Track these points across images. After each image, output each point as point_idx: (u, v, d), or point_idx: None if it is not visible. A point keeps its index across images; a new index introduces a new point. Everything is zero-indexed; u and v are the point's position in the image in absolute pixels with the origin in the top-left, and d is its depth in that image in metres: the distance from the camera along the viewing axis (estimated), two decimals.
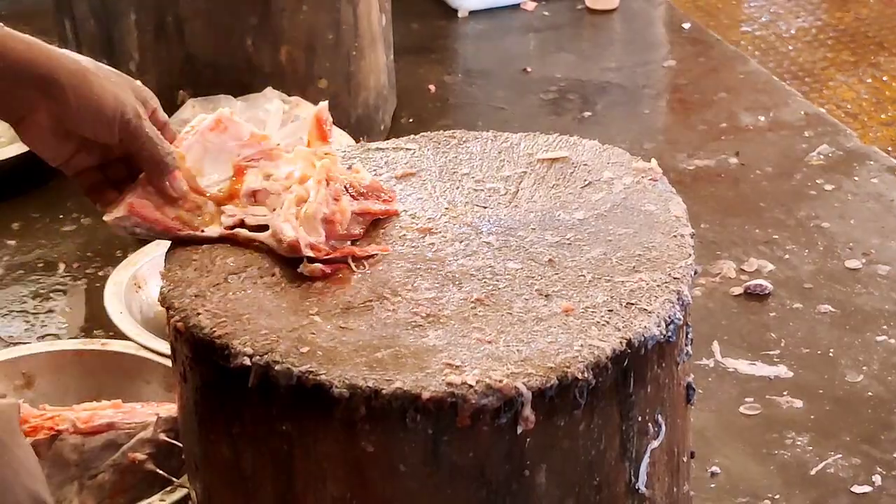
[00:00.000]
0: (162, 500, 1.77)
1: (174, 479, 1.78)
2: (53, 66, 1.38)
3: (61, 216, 2.70)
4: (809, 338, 2.28)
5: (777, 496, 1.92)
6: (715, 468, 1.98)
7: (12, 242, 2.63)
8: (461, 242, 1.48)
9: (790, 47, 3.86)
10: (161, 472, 1.80)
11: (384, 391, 1.26)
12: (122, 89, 1.43)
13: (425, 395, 1.26)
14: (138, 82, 1.49)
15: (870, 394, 2.14)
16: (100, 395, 1.88)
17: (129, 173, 1.49)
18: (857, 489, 1.94)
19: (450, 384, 1.27)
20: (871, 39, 3.90)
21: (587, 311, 1.36)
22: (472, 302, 1.38)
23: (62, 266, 2.54)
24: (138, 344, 2.00)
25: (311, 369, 1.29)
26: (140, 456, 1.80)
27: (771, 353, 2.24)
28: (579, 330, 1.33)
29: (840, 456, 2.00)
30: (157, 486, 1.79)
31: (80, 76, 1.39)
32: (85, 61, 1.43)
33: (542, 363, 1.29)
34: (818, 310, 2.36)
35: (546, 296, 1.39)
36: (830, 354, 2.24)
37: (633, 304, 1.37)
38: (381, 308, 1.38)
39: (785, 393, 2.14)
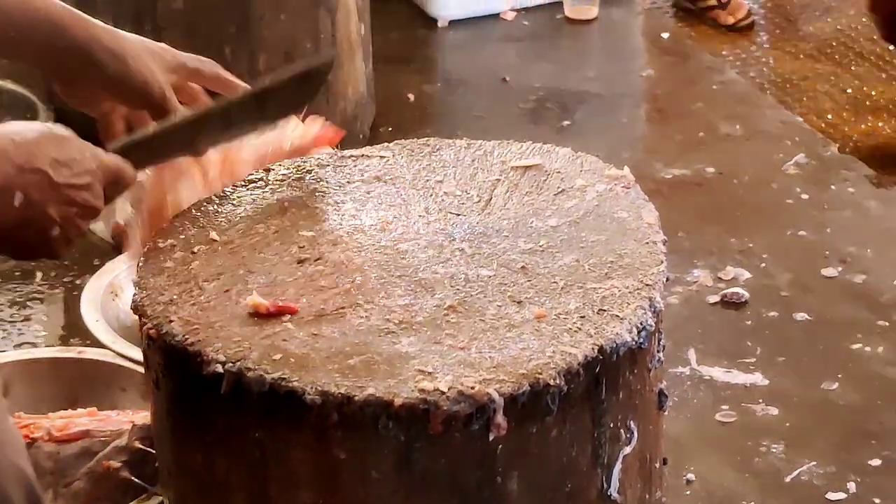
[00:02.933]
0: None
1: (149, 486, 1.78)
2: (98, 47, 1.51)
3: None
4: (785, 346, 2.29)
5: (752, 503, 1.93)
6: (690, 475, 1.99)
7: None
8: (434, 249, 1.48)
9: (770, 58, 3.88)
10: (136, 479, 1.79)
11: (356, 398, 1.26)
12: (151, 68, 1.53)
13: (397, 401, 1.26)
14: (172, 50, 1.57)
15: (844, 402, 2.15)
16: (75, 403, 1.88)
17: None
18: (831, 496, 1.94)
19: (422, 391, 1.27)
20: (850, 49, 3.91)
21: (559, 317, 1.36)
22: (445, 309, 1.38)
23: (39, 274, 2.54)
24: (114, 352, 2.00)
25: (283, 376, 1.29)
26: (115, 464, 1.80)
27: (747, 360, 2.25)
28: (551, 336, 1.34)
29: (815, 463, 2.00)
30: (132, 494, 1.78)
31: (117, 59, 1.52)
32: (121, 37, 1.54)
33: (514, 369, 1.29)
34: (794, 318, 2.37)
35: (518, 302, 1.39)
36: (806, 362, 2.25)
37: (605, 310, 1.37)
38: (354, 315, 1.38)
39: (760, 400, 2.15)
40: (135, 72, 1.53)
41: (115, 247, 2.00)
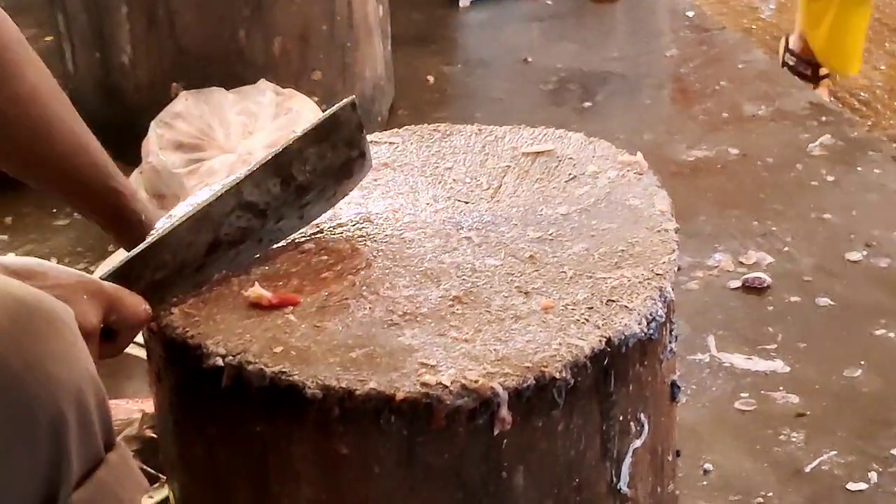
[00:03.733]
0: (150, 497, 1.74)
1: (160, 475, 1.76)
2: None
3: (54, 211, 2.69)
4: (807, 332, 2.25)
5: (770, 494, 1.89)
6: (707, 465, 1.95)
7: (4, 237, 2.61)
8: (441, 238, 1.45)
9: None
10: (147, 468, 1.77)
11: (358, 392, 1.24)
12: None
13: (399, 395, 1.23)
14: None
15: (867, 389, 2.11)
16: None
17: None
18: (852, 486, 1.90)
19: (424, 384, 1.24)
20: (885, 26, 3.86)
21: (567, 308, 1.33)
22: (450, 300, 1.35)
23: (53, 261, 2.52)
24: None
25: (283, 370, 1.26)
26: None
27: (768, 347, 2.21)
28: (558, 328, 1.30)
29: (836, 453, 1.96)
30: None
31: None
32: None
33: (519, 362, 1.26)
34: (817, 303, 2.33)
35: (525, 293, 1.36)
36: (828, 349, 2.21)
37: (614, 301, 1.34)
38: (357, 307, 1.35)
39: (781, 388, 2.11)
40: None
41: None
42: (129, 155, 2.46)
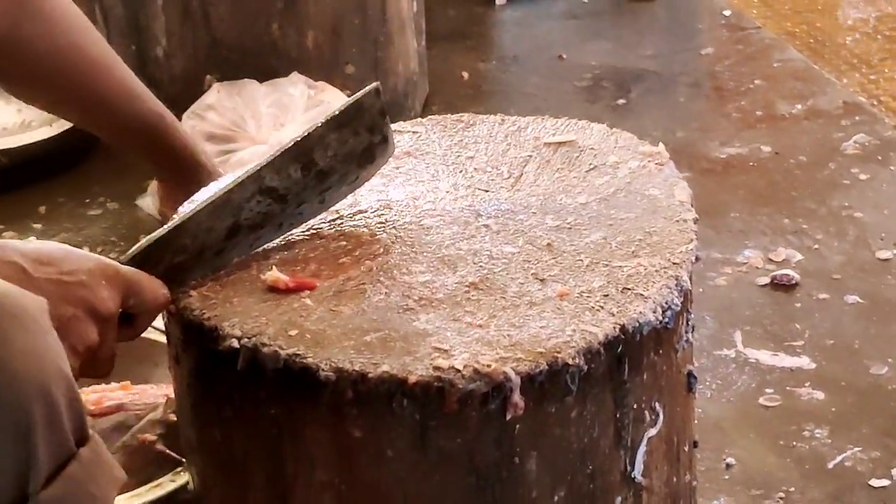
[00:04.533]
0: (172, 481, 1.75)
1: (184, 459, 1.77)
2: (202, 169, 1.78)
3: (87, 200, 2.71)
4: (835, 329, 2.24)
5: (792, 489, 1.88)
6: (730, 459, 1.94)
7: (38, 226, 2.64)
8: (459, 226, 1.46)
9: (848, 38, 3.81)
10: (171, 452, 1.79)
11: (371, 375, 1.24)
12: None
13: (412, 379, 1.24)
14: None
15: (893, 387, 2.09)
16: (108, 378, 1.87)
17: None
18: (875, 483, 1.89)
19: (437, 368, 1.24)
20: None
21: (582, 295, 1.33)
22: (466, 286, 1.36)
23: (87, 250, 2.53)
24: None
25: (297, 352, 1.27)
26: (150, 437, 1.79)
27: (794, 343, 2.20)
28: (572, 315, 1.31)
29: (859, 449, 1.95)
30: (168, 467, 1.77)
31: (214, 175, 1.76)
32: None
33: (532, 348, 1.26)
34: (846, 301, 2.32)
35: (541, 280, 1.36)
36: (856, 346, 2.19)
37: (629, 289, 1.34)
38: (373, 291, 1.36)
39: (806, 384, 2.10)
40: None
41: (163, 223, 2.00)
42: None
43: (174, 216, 1.44)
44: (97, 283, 1.30)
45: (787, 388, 2.09)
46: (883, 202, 2.63)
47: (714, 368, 2.13)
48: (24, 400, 1.15)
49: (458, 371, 1.24)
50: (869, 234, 2.52)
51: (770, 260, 2.44)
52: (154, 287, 1.36)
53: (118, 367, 1.91)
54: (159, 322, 1.98)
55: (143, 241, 1.40)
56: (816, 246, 2.49)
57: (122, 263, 1.36)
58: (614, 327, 1.29)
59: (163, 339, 1.97)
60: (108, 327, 1.32)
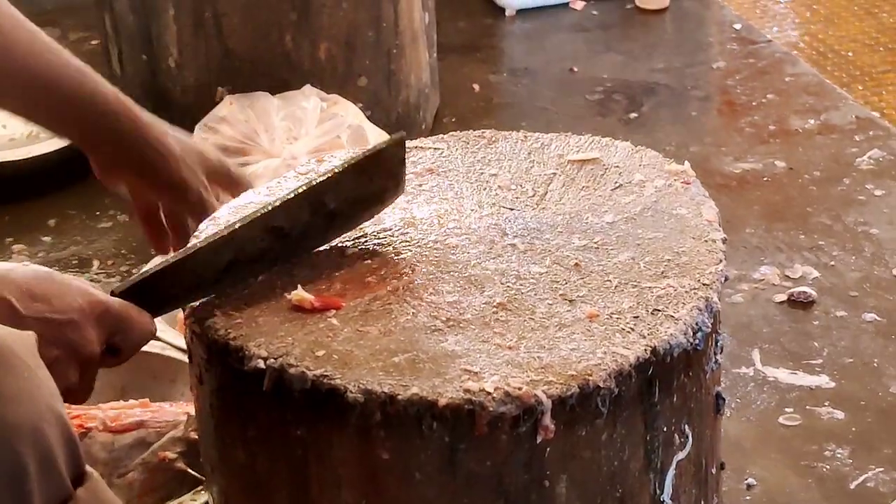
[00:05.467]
0: (193, 500, 1.74)
1: (204, 478, 1.75)
2: (138, 135, 1.54)
3: (97, 213, 2.69)
4: (853, 347, 2.22)
5: None
6: (751, 480, 1.93)
7: (48, 239, 2.62)
8: (485, 245, 1.44)
9: (850, 52, 3.80)
10: (191, 470, 1.77)
11: (400, 397, 1.23)
12: (192, 167, 1.53)
13: (442, 401, 1.22)
14: (209, 145, 1.50)
15: None
16: (124, 394, 1.86)
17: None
18: None
19: (467, 391, 1.23)
20: None
21: (612, 317, 1.32)
22: (494, 306, 1.34)
23: (96, 263, 2.53)
24: (164, 342, 1.97)
25: (325, 373, 1.25)
26: (170, 454, 1.78)
27: (813, 362, 2.18)
28: (603, 337, 1.29)
29: (882, 470, 1.94)
30: (187, 486, 1.76)
31: (159, 150, 1.54)
32: (165, 131, 1.55)
33: (563, 370, 1.25)
34: (863, 318, 2.30)
35: (570, 301, 1.35)
36: (875, 365, 2.18)
37: (659, 310, 1.33)
38: (400, 312, 1.34)
39: (826, 403, 2.09)
40: (174, 169, 1.54)
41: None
42: None
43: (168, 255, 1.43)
44: (86, 323, 1.29)
45: (807, 407, 2.08)
46: None
47: (733, 387, 2.12)
48: (16, 446, 1.12)
49: (489, 394, 1.23)
50: (885, 251, 2.51)
51: (787, 276, 2.43)
52: (142, 323, 1.36)
53: (134, 385, 1.91)
54: (175, 339, 1.97)
55: (139, 273, 1.39)
56: (833, 263, 2.47)
57: (116, 294, 1.35)
58: (645, 349, 1.28)
59: (178, 355, 1.96)
60: (89, 367, 1.32)
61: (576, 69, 3.36)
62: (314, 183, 1.41)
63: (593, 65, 3.39)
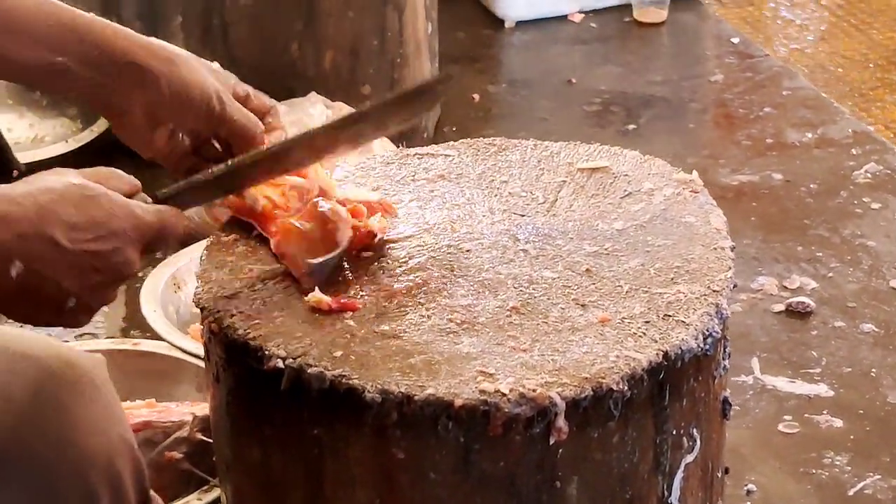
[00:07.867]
0: (199, 500, 1.76)
1: (210, 478, 1.78)
2: (148, 55, 1.39)
3: None
4: (851, 357, 2.26)
5: None
6: (751, 486, 1.96)
7: None
8: (498, 250, 1.46)
9: (840, 69, 3.84)
10: (197, 471, 1.79)
11: (416, 397, 1.25)
12: (205, 75, 1.43)
13: (458, 402, 1.25)
14: (215, 64, 1.49)
15: None
16: (131, 395, 1.88)
17: (222, 149, 1.48)
18: None
19: (483, 392, 1.25)
20: None
21: (624, 322, 1.35)
22: (508, 310, 1.37)
23: None
24: (170, 343, 1.99)
25: (343, 373, 1.28)
26: (176, 455, 1.80)
27: (811, 371, 2.22)
28: (615, 341, 1.32)
29: (879, 477, 1.97)
30: (193, 485, 1.78)
31: (171, 65, 1.40)
32: (171, 48, 1.42)
33: (576, 373, 1.27)
34: (861, 329, 2.33)
35: (582, 305, 1.37)
36: (872, 374, 2.21)
37: (670, 315, 1.35)
38: (415, 314, 1.36)
39: (825, 412, 2.11)
40: (188, 77, 1.40)
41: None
42: None
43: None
44: (128, 247, 1.25)
45: (806, 415, 2.11)
46: (894, 231, 2.65)
47: (732, 395, 2.12)
48: (90, 477, 1.14)
49: (504, 395, 1.25)
50: (882, 263, 2.54)
51: (784, 287, 2.46)
52: (177, 228, 1.32)
53: (141, 385, 1.93)
54: (181, 341, 1.99)
55: (183, 182, 1.38)
56: (830, 274, 2.50)
57: (160, 199, 1.32)
58: (657, 354, 1.31)
59: (184, 356, 1.98)
60: (126, 283, 1.30)
61: (574, 81, 3.39)
62: (363, 110, 1.49)
63: (591, 77, 3.42)
